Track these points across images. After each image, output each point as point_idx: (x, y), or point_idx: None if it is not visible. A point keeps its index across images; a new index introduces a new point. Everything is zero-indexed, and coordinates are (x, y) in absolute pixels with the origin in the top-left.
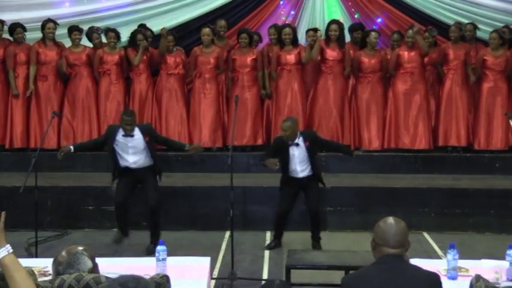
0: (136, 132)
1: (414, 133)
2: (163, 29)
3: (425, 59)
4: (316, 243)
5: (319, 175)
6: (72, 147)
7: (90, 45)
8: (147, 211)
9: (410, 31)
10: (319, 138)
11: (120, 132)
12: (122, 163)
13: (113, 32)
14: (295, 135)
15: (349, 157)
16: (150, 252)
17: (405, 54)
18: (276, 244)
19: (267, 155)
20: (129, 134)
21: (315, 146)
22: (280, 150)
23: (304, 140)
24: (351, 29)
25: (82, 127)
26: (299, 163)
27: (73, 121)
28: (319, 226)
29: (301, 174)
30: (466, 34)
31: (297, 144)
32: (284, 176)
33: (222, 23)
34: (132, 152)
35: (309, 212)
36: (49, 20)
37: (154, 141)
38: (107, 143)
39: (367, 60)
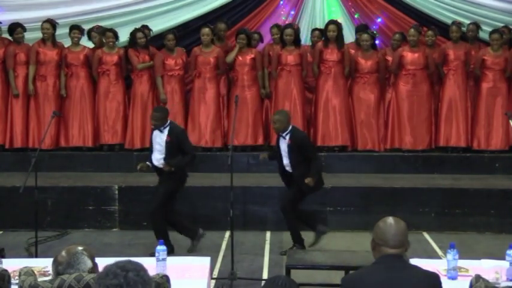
0: (165, 130)
1: (416, 134)
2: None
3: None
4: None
5: (299, 177)
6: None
7: (91, 45)
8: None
9: (412, 30)
10: (305, 141)
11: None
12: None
13: (111, 32)
14: (284, 128)
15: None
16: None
17: (408, 55)
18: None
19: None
20: (158, 129)
21: (297, 148)
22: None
23: (290, 138)
24: (356, 30)
25: (78, 127)
26: (285, 157)
27: (69, 121)
28: (288, 225)
29: (287, 168)
30: (468, 34)
31: (284, 137)
32: (279, 168)
33: (221, 26)
34: (157, 149)
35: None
36: (45, 20)
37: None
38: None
39: (364, 61)
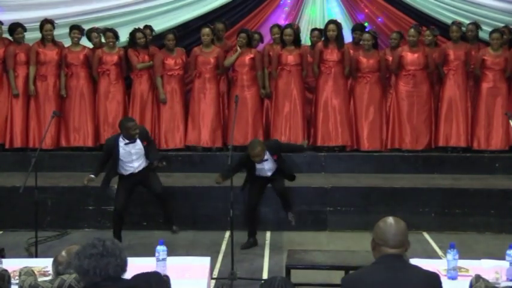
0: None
1: (416, 134)
2: None
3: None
4: (288, 215)
5: (285, 171)
6: (93, 175)
7: (90, 45)
8: (156, 201)
9: (412, 30)
10: (282, 146)
11: (122, 142)
12: (126, 171)
13: (111, 32)
14: (264, 155)
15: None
16: (175, 231)
17: (408, 55)
18: (251, 243)
19: (229, 170)
20: (133, 140)
21: (281, 155)
22: (247, 166)
23: (272, 154)
24: (352, 29)
25: (79, 127)
26: (268, 170)
27: (69, 121)
28: (288, 199)
29: (269, 173)
30: (467, 34)
31: (266, 160)
32: (250, 176)
33: (220, 26)
34: (136, 158)
35: (277, 192)
36: (46, 21)
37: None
38: (110, 157)
39: (365, 60)
